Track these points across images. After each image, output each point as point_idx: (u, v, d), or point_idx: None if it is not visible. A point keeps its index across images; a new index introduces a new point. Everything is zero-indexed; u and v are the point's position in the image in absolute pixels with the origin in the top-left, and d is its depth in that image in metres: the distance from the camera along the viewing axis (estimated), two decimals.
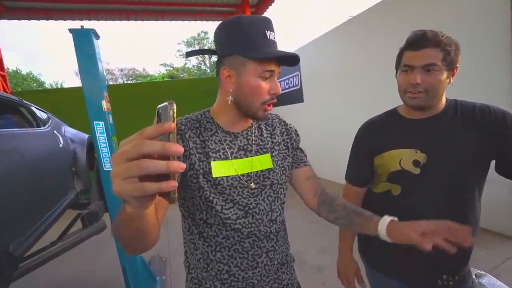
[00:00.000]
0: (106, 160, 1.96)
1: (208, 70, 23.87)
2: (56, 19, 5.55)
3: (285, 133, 0.83)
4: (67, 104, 5.43)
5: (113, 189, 0.32)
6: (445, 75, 0.79)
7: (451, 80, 0.82)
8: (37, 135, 2.12)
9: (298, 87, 5.20)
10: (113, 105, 2.18)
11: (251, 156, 0.75)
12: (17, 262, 1.47)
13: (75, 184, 2.52)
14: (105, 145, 2.02)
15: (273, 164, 0.76)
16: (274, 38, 0.67)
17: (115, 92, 5.73)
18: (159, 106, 0.34)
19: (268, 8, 6.48)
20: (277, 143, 0.80)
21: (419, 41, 0.78)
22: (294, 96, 5.37)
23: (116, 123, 2.14)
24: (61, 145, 2.40)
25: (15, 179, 1.61)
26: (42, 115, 2.45)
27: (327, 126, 4.49)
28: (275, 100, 0.71)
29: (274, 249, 0.77)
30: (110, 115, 1.99)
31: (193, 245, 0.76)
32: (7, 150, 1.71)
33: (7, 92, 5.02)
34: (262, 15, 0.67)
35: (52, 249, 1.72)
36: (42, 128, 2.28)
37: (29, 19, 5.45)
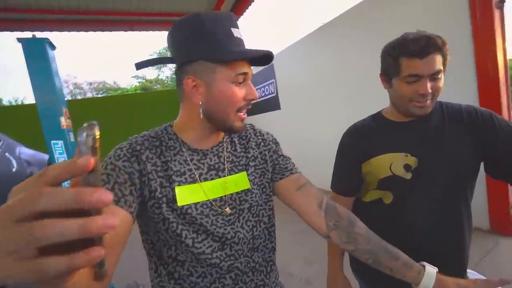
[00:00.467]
0: (67, 184, 1.76)
1: None
2: (12, 31, 5.14)
3: (262, 144, 0.71)
4: (24, 122, 4.98)
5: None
6: (443, 78, 0.77)
7: None
8: None
9: (274, 94, 5.20)
10: (79, 121, 1.99)
11: (224, 176, 0.63)
12: None
13: None
14: None
15: (250, 183, 0.65)
16: (241, 35, 0.58)
17: (82, 107, 5.39)
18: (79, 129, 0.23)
19: (242, 14, 6.51)
20: (253, 158, 0.68)
21: (424, 48, 0.72)
22: (270, 104, 5.36)
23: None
24: (14, 169, 2.14)
25: None
26: None
27: (306, 133, 4.50)
28: (250, 106, 0.62)
29: (264, 284, 0.66)
30: (71, 133, 1.80)
31: None
32: None
33: None
34: (224, 12, 0.59)
35: None
36: None
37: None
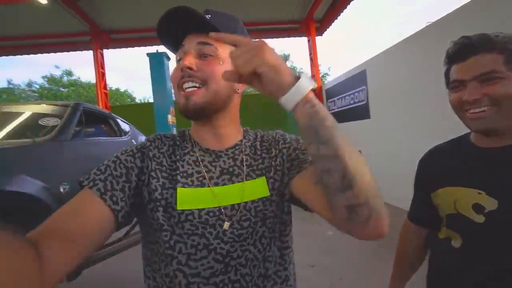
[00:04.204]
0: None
1: None
2: (147, 45, 6.60)
3: (281, 141, 0.59)
4: (146, 116, 6.27)
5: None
6: None
7: None
8: (118, 143, 2.49)
9: (364, 102, 4.84)
10: (180, 119, 2.43)
11: (240, 181, 0.53)
12: None
13: None
14: None
15: (269, 190, 0.53)
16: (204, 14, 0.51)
17: None
18: None
19: (333, 21, 6.36)
20: (274, 158, 0.56)
21: (464, 49, 0.63)
22: (359, 112, 5.01)
23: None
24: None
25: None
26: (125, 126, 2.87)
27: (398, 146, 4.00)
28: (187, 78, 0.50)
29: None
30: (174, 128, 2.20)
31: None
32: (94, 155, 2.04)
33: (108, 107, 6.11)
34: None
35: (118, 244, 1.93)
36: (124, 137, 2.67)
37: (126, 47, 6.65)
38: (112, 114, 2.73)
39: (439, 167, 0.75)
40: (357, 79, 4.96)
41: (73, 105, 1.98)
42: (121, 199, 0.46)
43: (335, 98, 5.76)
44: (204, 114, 0.51)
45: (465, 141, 0.74)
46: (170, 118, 1.99)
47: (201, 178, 0.52)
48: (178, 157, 0.54)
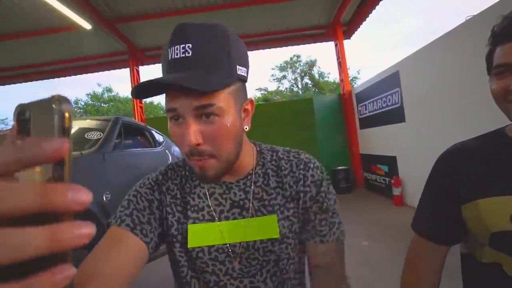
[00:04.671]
0: None
1: (300, 92, 24.41)
2: None
3: (301, 182, 0.52)
4: None
5: None
6: None
7: None
8: (153, 153, 2.63)
9: (398, 105, 4.60)
10: None
11: (250, 216, 0.50)
12: None
13: None
14: None
15: (280, 231, 0.50)
16: (183, 53, 0.42)
17: None
18: (25, 105, 0.16)
19: (362, 23, 6.18)
20: (290, 198, 0.52)
21: (509, 26, 0.52)
22: (392, 116, 4.76)
23: None
24: (169, 162, 2.89)
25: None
26: (159, 137, 3.02)
27: (436, 152, 3.72)
28: (199, 156, 0.44)
29: None
30: None
31: None
32: (132, 165, 2.17)
33: (143, 119, 6.50)
34: (180, 25, 0.45)
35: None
36: (158, 148, 2.82)
37: (160, 63, 7.05)
38: (147, 126, 2.90)
39: (474, 170, 0.59)
40: (390, 81, 4.74)
41: (114, 120, 2.14)
42: (149, 231, 0.47)
43: (366, 102, 5.54)
44: (221, 177, 0.49)
45: (503, 135, 0.60)
46: None
47: (211, 212, 0.51)
48: (188, 189, 0.52)
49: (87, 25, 4.68)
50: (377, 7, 5.49)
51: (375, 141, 5.39)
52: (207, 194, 0.52)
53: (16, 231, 0.13)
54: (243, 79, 0.48)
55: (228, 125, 0.44)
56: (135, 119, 6.31)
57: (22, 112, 0.16)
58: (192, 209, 0.51)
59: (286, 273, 0.51)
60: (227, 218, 0.51)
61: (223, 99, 0.44)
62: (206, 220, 0.50)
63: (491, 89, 0.57)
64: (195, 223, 0.49)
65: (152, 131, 2.89)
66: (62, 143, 0.14)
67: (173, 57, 0.43)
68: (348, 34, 6.64)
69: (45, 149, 0.13)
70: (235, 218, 0.51)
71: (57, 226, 0.13)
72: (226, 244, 0.49)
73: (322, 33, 6.57)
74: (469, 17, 3.18)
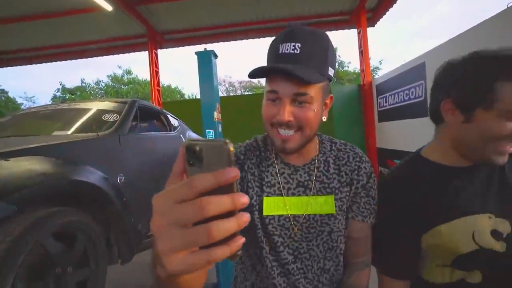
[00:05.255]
0: None
1: None
2: (195, 44, 6.92)
3: (356, 172, 0.66)
4: (193, 112, 6.55)
5: (172, 268, 0.23)
6: None
7: None
8: (168, 137, 2.65)
9: (422, 98, 4.37)
10: (224, 115, 2.47)
11: (312, 195, 0.63)
12: (142, 238, 1.85)
13: None
14: None
15: (336, 209, 0.63)
16: (293, 49, 0.54)
17: (227, 103, 6.47)
18: (193, 142, 0.24)
19: (388, 10, 5.84)
20: (345, 183, 0.65)
21: None
22: (415, 110, 4.54)
23: (224, 131, 2.40)
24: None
25: (149, 172, 2.05)
26: (174, 122, 3.04)
27: None
28: (288, 127, 0.57)
29: None
30: (219, 125, 2.24)
31: (243, 275, 0.70)
32: (148, 149, 2.20)
33: (160, 103, 6.58)
34: (291, 27, 0.57)
35: None
36: (173, 132, 2.84)
37: (178, 46, 7.05)
38: (163, 110, 2.92)
39: (426, 196, 0.62)
40: (414, 73, 4.50)
41: (130, 102, 2.16)
42: None
43: (387, 94, 5.32)
44: (296, 151, 0.61)
45: (428, 162, 0.67)
46: (216, 115, 2.04)
47: (280, 188, 0.63)
48: (263, 168, 0.65)
49: (108, 7, 4.71)
50: None
51: (394, 135, 5.20)
52: (278, 174, 0.64)
53: (217, 197, 0.22)
54: (330, 79, 0.60)
55: (314, 112, 0.56)
56: (153, 102, 6.40)
57: (191, 146, 0.24)
58: (266, 184, 0.63)
59: (335, 242, 0.63)
60: (293, 194, 0.63)
61: (315, 91, 0.56)
62: (277, 194, 0.63)
63: (487, 127, 0.55)
64: (268, 196, 0.62)
65: (167, 115, 2.91)
66: (236, 171, 0.23)
67: (283, 51, 0.55)
68: (372, 22, 6.31)
69: (229, 175, 0.23)
70: (299, 195, 0.63)
71: (233, 197, 0.23)
72: (288, 214, 0.62)
73: (346, 20, 6.28)
74: (510, 4, 2.90)
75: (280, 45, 0.55)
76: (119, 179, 1.57)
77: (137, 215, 1.76)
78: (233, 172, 0.23)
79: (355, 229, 0.65)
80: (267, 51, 0.60)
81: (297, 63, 0.54)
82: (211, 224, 0.22)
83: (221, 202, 0.22)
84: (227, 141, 0.24)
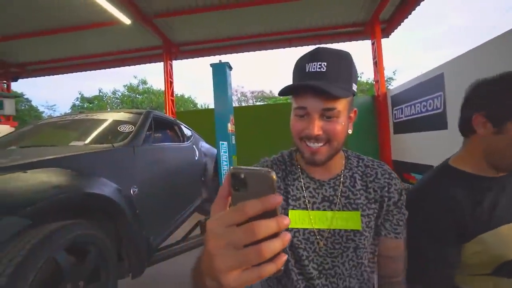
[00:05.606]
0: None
1: None
2: (209, 55, 7.07)
3: (386, 189, 0.65)
4: (207, 121, 6.60)
5: (228, 283, 0.26)
6: None
7: None
8: (181, 148, 2.65)
9: (440, 110, 4.23)
10: (237, 125, 2.46)
11: (337, 210, 0.64)
12: (153, 251, 1.82)
13: (202, 192, 2.96)
14: (226, 163, 2.29)
15: (362, 225, 0.63)
16: (319, 68, 0.58)
17: (242, 112, 6.49)
18: (238, 169, 0.27)
19: (402, 21, 5.78)
20: (373, 200, 0.65)
21: None
22: (433, 122, 4.40)
23: (237, 141, 2.38)
24: (196, 158, 2.90)
25: (161, 184, 2.03)
26: (187, 132, 3.05)
27: None
28: (316, 141, 0.60)
29: None
30: (233, 137, 2.23)
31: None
32: (161, 160, 2.20)
33: (174, 113, 6.68)
34: (317, 48, 0.60)
35: (177, 247, 2.03)
36: (186, 143, 2.84)
37: (193, 57, 7.21)
38: (177, 120, 2.93)
39: (466, 206, 0.65)
40: (432, 84, 4.38)
41: (145, 113, 2.18)
42: None
43: (403, 106, 5.19)
44: (324, 163, 0.62)
45: (461, 172, 0.69)
46: (230, 127, 2.02)
47: (305, 202, 0.64)
48: (289, 182, 0.66)
49: (126, 20, 4.87)
50: (421, 3, 5.08)
51: (410, 147, 5.04)
52: (303, 188, 0.65)
53: (263, 221, 0.26)
54: (354, 94, 0.62)
55: (341, 125, 0.59)
56: (166, 111, 6.49)
57: (237, 173, 0.27)
58: (292, 198, 0.65)
59: (361, 259, 0.63)
60: (318, 209, 0.64)
61: (342, 106, 0.58)
62: (302, 208, 0.64)
63: None
64: (294, 209, 0.64)
65: (181, 126, 2.93)
66: (280, 197, 0.26)
67: (310, 70, 0.58)
68: (386, 33, 6.26)
69: (274, 201, 0.26)
70: (324, 210, 0.64)
71: (278, 220, 0.26)
72: (313, 228, 0.63)
73: (360, 31, 6.25)
74: None
75: (307, 64, 0.59)
76: (132, 191, 1.56)
77: (149, 227, 1.73)
78: (278, 198, 0.26)
79: (391, 247, 0.65)
80: (292, 71, 0.63)
81: (324, 80, 0.56)
82: (262, 246, 0.25)
83: (269, 226, 0.25)
84: (270, 170, 0.27)
